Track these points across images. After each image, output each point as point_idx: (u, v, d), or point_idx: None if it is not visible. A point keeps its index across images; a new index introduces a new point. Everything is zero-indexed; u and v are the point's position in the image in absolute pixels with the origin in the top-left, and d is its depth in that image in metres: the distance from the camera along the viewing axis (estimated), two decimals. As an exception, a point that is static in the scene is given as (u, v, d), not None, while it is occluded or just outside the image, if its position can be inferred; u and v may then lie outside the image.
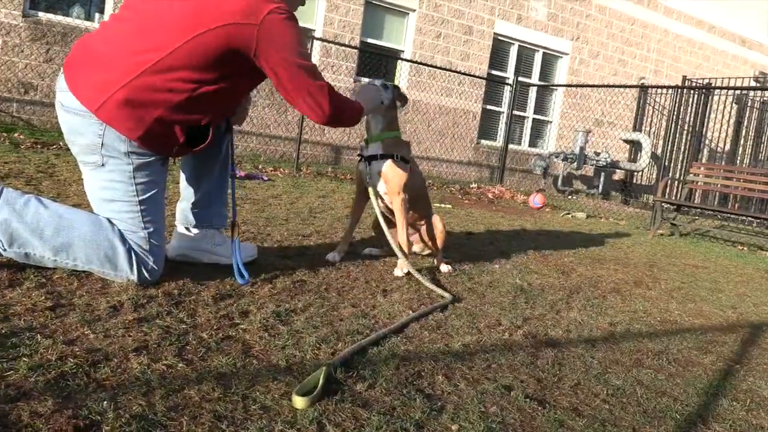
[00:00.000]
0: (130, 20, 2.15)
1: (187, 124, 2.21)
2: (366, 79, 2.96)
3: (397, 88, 3.00)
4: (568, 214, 7.88)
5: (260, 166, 7.56)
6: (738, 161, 12.15)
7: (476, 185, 9.84)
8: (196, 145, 2.33)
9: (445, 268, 3.24)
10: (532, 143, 12.55)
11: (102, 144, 2.11)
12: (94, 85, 2.07)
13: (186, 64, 2.09)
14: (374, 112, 2.92)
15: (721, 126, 11.19)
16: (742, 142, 12.23)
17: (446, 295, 2.66)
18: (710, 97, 10.52)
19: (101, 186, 2.18)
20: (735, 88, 7.71)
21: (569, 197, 10.93)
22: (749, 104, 12.22)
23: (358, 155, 3.06)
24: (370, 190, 2.99)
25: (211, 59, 2.12)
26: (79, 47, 2.15)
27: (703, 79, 11.34)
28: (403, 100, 3.05)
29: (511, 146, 11.31)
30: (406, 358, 1.92)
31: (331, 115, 2.35)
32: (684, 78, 10.12)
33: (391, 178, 2.92)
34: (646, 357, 2.30)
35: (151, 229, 2.22)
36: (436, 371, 1.85)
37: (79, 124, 2.11)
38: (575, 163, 11.54)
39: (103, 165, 2.15)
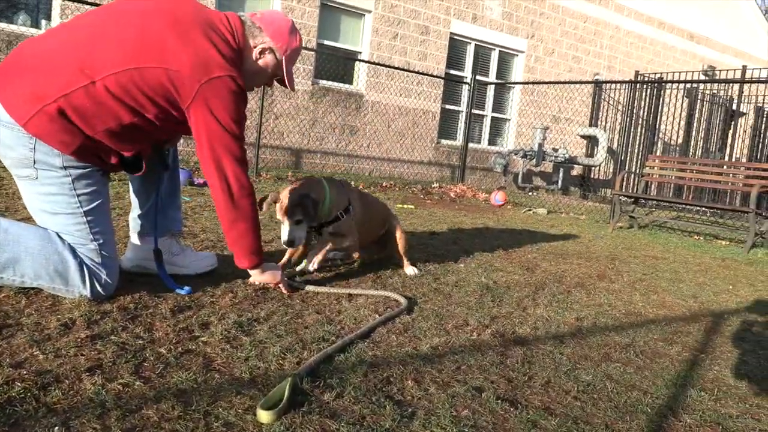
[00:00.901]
0: (75, 31, 2.04)
1: (117, 150, 2.13)
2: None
3: (306, 212, 2.70)
4: (530, 210, 7.94)
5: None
6: (690, 153, 12.47)
7: (438, 185, 9.85)
8: (130, 171, 2.25)
9: (410, 270, 3.20)
10: (492, 141, 12.64)
11: (34, 159, 2.00)
12: (25, 95, 1.95)
13: (117, 94, 1.99)
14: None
15: (674, 119, 11.46)
16: (693, 134, 12.55)
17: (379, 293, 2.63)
18: (662, 91, 10.76)
19: (41, 199, 2.07)
20: (685, 82, 7.89)
21: (530, 194, 11.04)
22: (699, 97, 12.54)
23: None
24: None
25: (143, 96, 2.03)
26: (15, 54, 2.03)
27: (655, 73, 11.60)
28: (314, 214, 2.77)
29: (471, 145, 11.36)
30: (374, 363, 1.87)
31: (241, 198, 2.23)
32: (636, 73, 10.33)
33: (343, 230, 2.90)
34: (614, 351, 2.30)
35: (101, 241, 2.12)
36: (405, 376, 1.81)
37: (7, 137, 1.98)
38: (534, 159, 11.66)
39: (37, 178, 2.03)
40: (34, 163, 2.01)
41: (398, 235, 3.26)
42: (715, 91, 12.67)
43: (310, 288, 2.64)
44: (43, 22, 7.94)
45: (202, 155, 2.17)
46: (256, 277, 2.46)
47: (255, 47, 2.31)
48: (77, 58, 1.97)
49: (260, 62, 2.34)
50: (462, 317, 2.50)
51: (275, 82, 2.51)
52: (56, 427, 1.29)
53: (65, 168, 2.03)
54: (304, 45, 9.27)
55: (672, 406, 1.84)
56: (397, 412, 1.56)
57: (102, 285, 2.11)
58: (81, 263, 2.07)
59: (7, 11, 7.77)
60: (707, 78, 14.21)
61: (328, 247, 2.85)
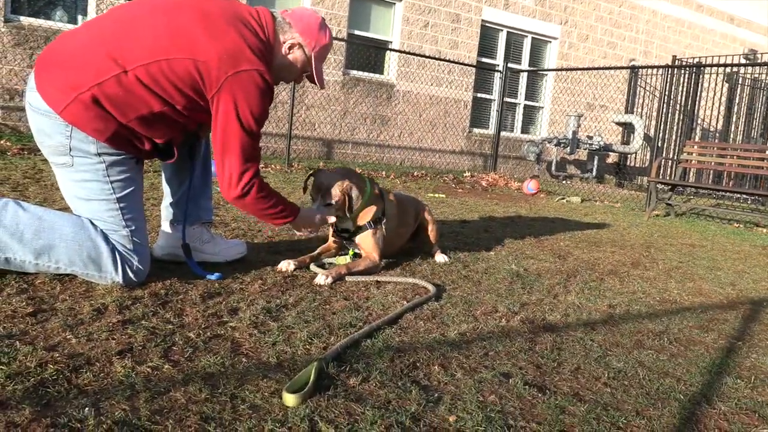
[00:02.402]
0: (108, 26, 2.08)
1: (149, 137, 2.16)
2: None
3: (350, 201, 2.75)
4: (563, 198, 7.83)
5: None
6: (730, 139, 12.13)
7: (469, 174, 9.79)
8: (163, 158, 2.28)
9: (440, 258, 3.18)
10: (525, 129, 12.50)
11: (70, 146, 2.05)
12: (60, 85, 2.00)
13: (148, 83, 2.03)
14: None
15: (713, 105, 11.16)
16: (734, 119, 12.21)
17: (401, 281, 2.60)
18: (701, 76, 10.48)
19: (76, 186, 2.12)
20: (725, 65, 7.66)
21: (563, 182, 10.89)
22: (740, 82, 12.18)
23: (331, 226, 2.92)
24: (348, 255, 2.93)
25: (172, 87, 2.06)
26: (53, 45, 2.08)
27: (694, 58, 11.30)
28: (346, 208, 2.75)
29: (503, 133, 11.25)
30: (400, 349, 1.87)
31: (233, 198, 2.26)
32: (674, 58, 10.07)
33: (366, 247, 2.85)
34: (647, 338, 2.25)
35: (134, 227, 2.16)
36: (432, 361, 1.80)
37: (46, 125, 2.04)
38: (568, 147, 11.49)
39: (72, 165, 2.08)
40: (70, 150, 2.05)
41: (430, 226, 3.25)
42: (757, 75, 12.28)
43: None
44: (80, 17, 8.10)
45: (214, 138, 2.21)
46: (297, 231, 2.62)
47: (284, 42, 2.32)
48: (108, 49, 2.01)
49: (289, 57, 2.35)
50: (491, 304, 2.48)
51: (305, 79, 2.51)
52: (86, 408, 1.31)
53: (99, 155, 2.07)
54: (334, 36, 9.28)
55: (706, 393, 1.79)
56: (422, 397, 1.55)
57: (134, 271, 2.15)
58: (113, 249, 2.11)
59: (45, 8, 7.94)
60: (748, 61, 13.78)
61: (351, 269, 2.69)
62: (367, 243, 2.84)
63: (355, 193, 2.75)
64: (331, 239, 2.99)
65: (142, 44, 2.02)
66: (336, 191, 2.71)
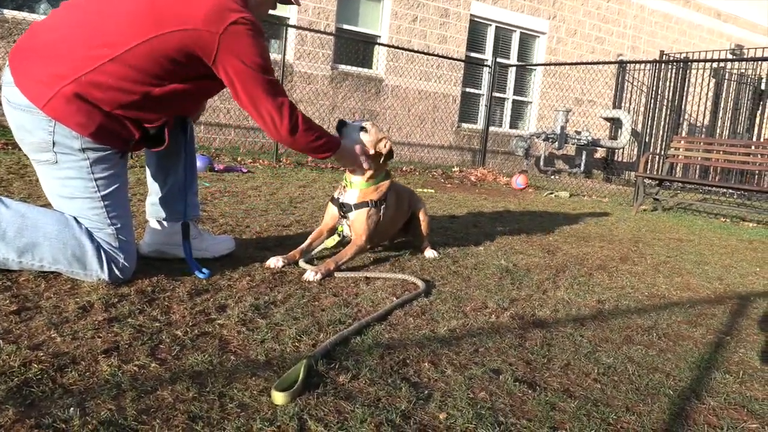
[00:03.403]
0: (81, 9, 2.03)
1: (141, 122, 2.12)
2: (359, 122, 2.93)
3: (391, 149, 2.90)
4: (551, 193, 7.85)
5: (239, 158, 7.44)
6: (717, 134, 12.21)
7: (458, 169, 9.79)
8: (152, 146, 2.24)
9: (430, 254, 3.17)
10: (513, 124, 12.51)
11: (53, 141, 2.00)
12: (41, 79, 1.95)
13: (140, 65, 1.99)
14: (357, 160, 2.76)
15: (700, 100, 11.21)
16: (720, 115, 12.29)
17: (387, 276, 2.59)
18: (688, 71, 10.53)
19: (59, 184, 2.07)
20: (712, 61, 7.70)
21: (552, 177, 10.92)
22: (726, 77, 12.26)
23: (331, 198, 2.95)
24: (337, 235, 2.92)
25: (168, 62, 2.02)
26: (26, 37, 2.03)
27: (681, 53, 11.35)
28: (387, 155, 2.90)
29: (492, 128, 11.26)
30: (390, 346, 1.86)
31: (286, 135, 2.28)
32: (661, 53, 10.10)
33: (357, 228, 2.83)
34: (636, 333, 2.26)
35: (119, 225, 2.12)
36: (422, 358, 1.79)
37: (27, 121, 1.98)
38: (556, 142, 11.52)
39: (56, 162, 2.04)
40: (54, 145, 2.01)
41: (422, 217, 3.24)
42: (743, 71, 12.37)
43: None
44: (64, 10, 7.99)
45: (239, 100, 2.21)
46: (341, 163, 2.79)
47: None
48: (90, 36, 1.96)
49: None
50: (481, 300, 2.47)
51: (280, 5, 2.50)
52: (71, 408, 1.29)
53: (83, 151, 2.04)
54: (322, 30, 9.23)
55: (695, 388, 1.80)
56: (412, 394, 1.54)
57: (120, 269, 2.12)
58: (98, 247, 2.08)
59: (29, 1, 7.84)
60: (735, 57, 13.87)
61: (339, 263, 2.66)
62: (359, 222, 2.81)
63: (388, 146, 2.88)
64: (323, 225, 2.96)
65: (124, 27, 1.97)
66: (373, 129, 2.85)
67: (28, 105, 1.96)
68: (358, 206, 2.83)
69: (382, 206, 2.88)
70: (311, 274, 2.50)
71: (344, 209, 2.86)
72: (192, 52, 2.04)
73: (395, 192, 3.05)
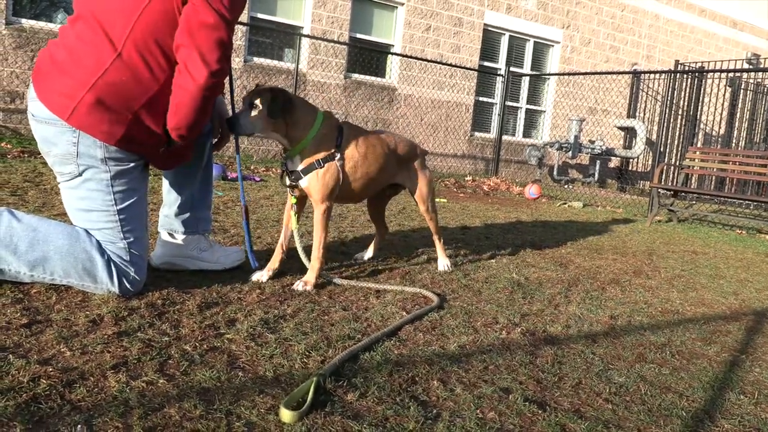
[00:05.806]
0: (82, 18, 2.05)
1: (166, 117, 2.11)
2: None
3: (273, 100, 2.39)
4: (565, 203, 7.81)
5: (252, 167, 7.47)
6: (733, 144, 12.10)
7: (471, 178, 9.76)
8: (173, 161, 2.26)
9: (442, 266, 3.12)
10: (526, 134, 12.47)
11: (77, 153, 2.02)
12: (61, 91, 1.97)
13: (144, 46, 1.98)
14: (263, 132, 2.44)
15: (716, 110, 11.13)
16: (736, 125, 12.18)
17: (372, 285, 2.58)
18: (703, 81, 10.45)
19: (78, 196, 2.09)
20: (727, 71, 7.64)
21: (565, 187, 10.86)
22: (743, 87, 12.16)
23: (282, 166, 2.65)
24: (288, 206, 2.66)
25: (164, 29, 1.99)
26: (43, 54, 2.06)
27: (696, 62, 11.27)
28: (280, 110, 2.41)
29: (505, 137, 11.23)
30: (399, 363, 1.85)
31: (207, 77, 1.97)
32: (676, 62, 10.04)
33: (313, 192, 2.55)
34: (649, 351, 2.23)
35: (132, 239, 2.13)
36: (431, 376, 1.78)
37: (51, 134, 2.02)
38: (570, 152, 11.47)
39: (80, 174, 2.06)
40: (77, 157, 2.03)
41: (420, 176, 2.96)
42: (760, 80, 12.26)
43: (338, 281, 2.62)
44: (81, 20, 8.08)
45: (179, 31, 1.98)
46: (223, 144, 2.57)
47: None
48: (94, 38, 1.98)
49: None
50: (491, 315, 2.45)
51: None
52: (79, 426, 1.29)
53: (105, 162, 2.05)
54: (336, 39, 9.27)
55: (709, 409, 1.77)
56: (421, 414, 1.53)
57: (130, 282, 2.13)
58: (108, 261, 2.08)
59: (46, 10, 7.94)
60: (751, 66, 13.75)
61: (318, 256, 2.52)
62: (313, 185, 2.52)
63: (284, 98, 2.39)
64: (287, 207, 2.71)
65: (117, 16, 1.97)
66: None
67: (52, 118, 1.99)
68: (305, 171, 2.53)
69: (335, 158, 2.55)
70: (300, 285, 2.49)
71: (293, 177, 2.57)
72: (177, 10, 1.99)
73: (370, 139, 2.71)
